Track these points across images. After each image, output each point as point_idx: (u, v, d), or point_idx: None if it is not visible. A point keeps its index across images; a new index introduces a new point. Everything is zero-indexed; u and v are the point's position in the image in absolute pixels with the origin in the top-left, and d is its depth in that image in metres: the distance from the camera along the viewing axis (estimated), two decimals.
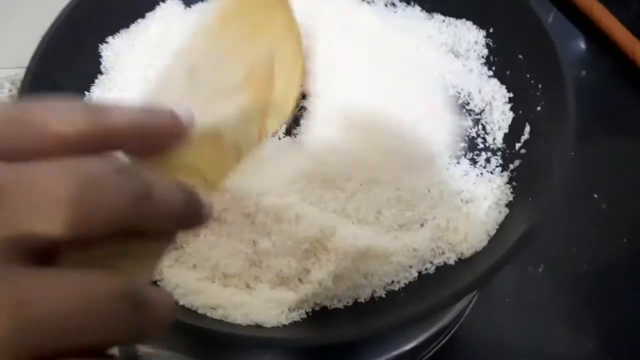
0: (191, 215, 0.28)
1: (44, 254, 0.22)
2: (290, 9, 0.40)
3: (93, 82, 0.60)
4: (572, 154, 0.50)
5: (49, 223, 0.21)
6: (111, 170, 0.23)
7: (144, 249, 0.26)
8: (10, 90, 0.53)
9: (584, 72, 0.85)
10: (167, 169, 0.28)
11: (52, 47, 0.56)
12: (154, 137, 0.27)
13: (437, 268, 0.51)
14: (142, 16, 0.64)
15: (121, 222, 0.23)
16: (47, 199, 0.21)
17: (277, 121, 0.38)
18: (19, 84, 0.53)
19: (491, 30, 0.63)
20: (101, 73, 0.61)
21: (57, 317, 0.20)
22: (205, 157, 0.31)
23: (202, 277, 0.49)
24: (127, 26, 0.63)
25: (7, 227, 0.21)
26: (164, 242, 0.27)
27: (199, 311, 0.46)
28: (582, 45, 0.90)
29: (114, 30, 0.62)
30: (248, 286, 0.49)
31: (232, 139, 0.33)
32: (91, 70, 0.60)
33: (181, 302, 0.47)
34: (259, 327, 0.46)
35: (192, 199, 0.28)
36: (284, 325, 0.46)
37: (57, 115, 0.24)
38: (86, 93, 0.59)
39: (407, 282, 0.50)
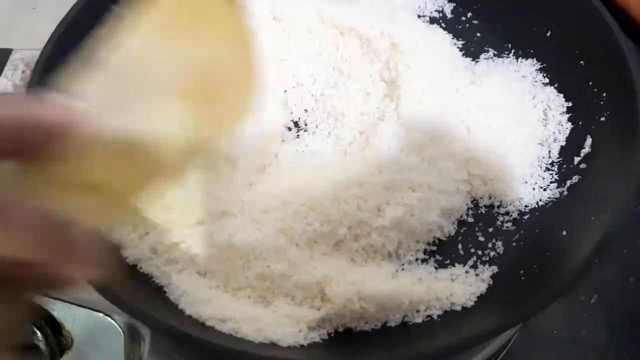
0: (58, 253, 0.20)
1: None
2: (237, 7, 0.32)
3: None
4: None
5: None
6: None
7: None
8: (23, 72, 0.50)
9: None
10: (66, 179, 0.23)
11: (71, 30, 0.52)
12: (33, 134, 0.21)
13: (479, 297, 0.45)
14: None
15: None
16: None
17: (219, 138, 0.32)
18: (33, 66, 0.49)
19: (549, 34, 0.57)
20: None
21: None
22: (118, 168, 0.25)
23: (213, 285, 0.44)
24: None
25: None
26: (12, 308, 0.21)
27: (207, 323, 0.41)
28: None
29: None
30: (264, 299, 0.44)
31: (156, 151, 0.27)
32: None
33: (188, 312, 0.42)
34: (273, 345, 0.40)
35: (59, 228, 0.20)
36: (301, 346, 0.41)
37: None
38: None
39: (444, 309, 0.44)
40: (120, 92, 0.27)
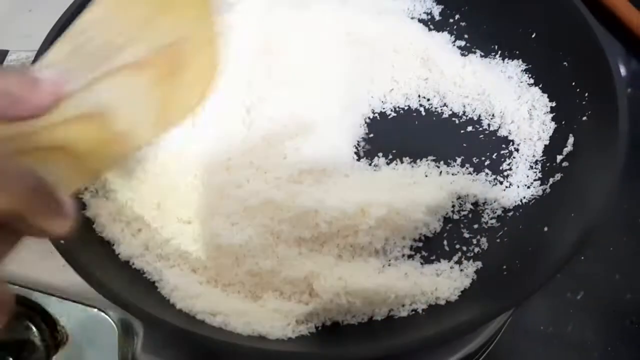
0: (40, 207, 0.24)
1: None
2: None
3: None
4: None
5: None
6: None
7: None
8: None
9: (629, 90, 0.80)
10: (32, 145, 0.26)
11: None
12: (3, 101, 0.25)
13: (463, 292, 0.46)
14: None
15: None
16: None
17: (181, 113, 0.35)
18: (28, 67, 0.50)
19: (534, 36, 0.58)
20: None
21: None
22: (84, 137, 0.28)
23: (204, 281, 0.45)
24: None
25: None
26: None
27: (198, 316, 0.42)
28: (627, 62, 0.84)
29: None
30: (253, 294, 0.45)
31: (121, 121, 0.29)
32: None
33: (179, 306, 0.43)
34: (261, 338, 0.41)
35: (42, 186, 0.24)
36: (289, 339, 0.42)
37: None
38: None
39: (429, 304, 0.45)
40: (86, 62, 0.29)
